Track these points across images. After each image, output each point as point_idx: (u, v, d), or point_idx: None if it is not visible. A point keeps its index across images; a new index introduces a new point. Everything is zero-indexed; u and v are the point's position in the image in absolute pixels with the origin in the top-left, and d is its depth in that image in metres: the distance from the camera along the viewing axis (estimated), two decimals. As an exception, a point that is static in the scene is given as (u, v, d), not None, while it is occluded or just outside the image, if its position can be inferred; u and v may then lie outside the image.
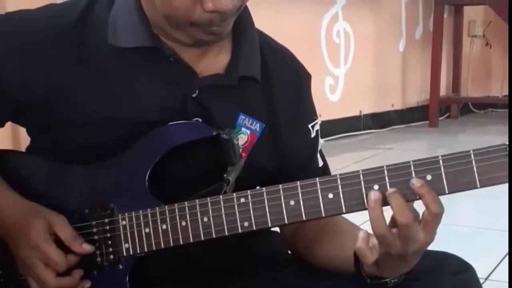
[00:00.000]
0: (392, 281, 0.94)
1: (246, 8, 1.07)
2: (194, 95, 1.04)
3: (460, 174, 0.84)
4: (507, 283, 1.81)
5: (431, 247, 1.03)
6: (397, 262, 0.90)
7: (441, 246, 1.05)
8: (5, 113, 1.07)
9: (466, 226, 2.59)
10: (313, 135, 1.15)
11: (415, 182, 0.85)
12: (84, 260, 1.00)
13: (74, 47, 1.02)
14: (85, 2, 1.06)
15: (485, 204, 2.79)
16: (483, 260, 1.96)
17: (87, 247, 0.99)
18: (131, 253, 0.98)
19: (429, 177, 0.85)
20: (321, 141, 1.18)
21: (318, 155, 1.17)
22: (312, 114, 1.17)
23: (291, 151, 1.11)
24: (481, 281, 1.04)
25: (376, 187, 0.87)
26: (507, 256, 2.06)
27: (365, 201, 0.87)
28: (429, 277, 0.97)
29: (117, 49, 1.02)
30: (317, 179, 0.89)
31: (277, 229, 1.17)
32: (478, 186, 0.83)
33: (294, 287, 1.07)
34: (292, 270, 1.10)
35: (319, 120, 1.18)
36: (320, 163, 1.17)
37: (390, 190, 0.86)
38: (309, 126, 1.15)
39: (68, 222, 1.00)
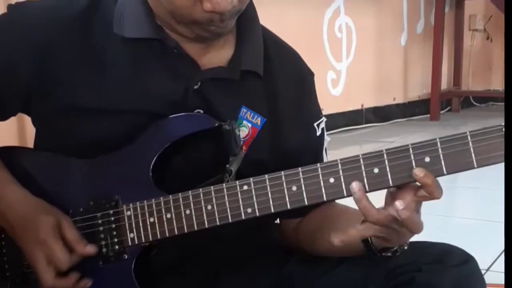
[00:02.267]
0: (401, 248, 0.95)
1: (251, 4, 1.08)
2: (196, 87, 1.04)
3: (457, 155, 0.85)
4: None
5: (434, 240, 1.03)
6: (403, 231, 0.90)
7: (442, 238, 1.06)
8: (18, 100, 1.07)
9: (467, 218, 2.59)
10: (318, 133, 1.15)
11: (418, 172, 0.85)
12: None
13: (81, 34, 1.03)
14: None
15: (486, 195, 2.79)
16: (484, 251, 1.96)
17: (90, 249, 1.00)
18: (136, 242, 0.99)
19: (427, 159, 0.86)
20: (327, 138, 1.18)
21: (324, 153, 1.18)
22: (317, 112, 1.17)
23: (291, 147, 1.11)
24: (483, 272, 1.05)
25: (376, 170, 0.87)
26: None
27: (366, 185, 0.88)
28: (431, 269, 0.97)
29: (122, 38, 1.03)
30: (318, 164, 0.90)
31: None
32: (475, 166, 0.84)
33: (298, 277, 1.08)
34: (297, 260, 1.11)
35: (324, 118, 1.17)
36: (325, 161, 1.17)
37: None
38: (315, 124, 1.15)
39: (73, 223, 1.01)
